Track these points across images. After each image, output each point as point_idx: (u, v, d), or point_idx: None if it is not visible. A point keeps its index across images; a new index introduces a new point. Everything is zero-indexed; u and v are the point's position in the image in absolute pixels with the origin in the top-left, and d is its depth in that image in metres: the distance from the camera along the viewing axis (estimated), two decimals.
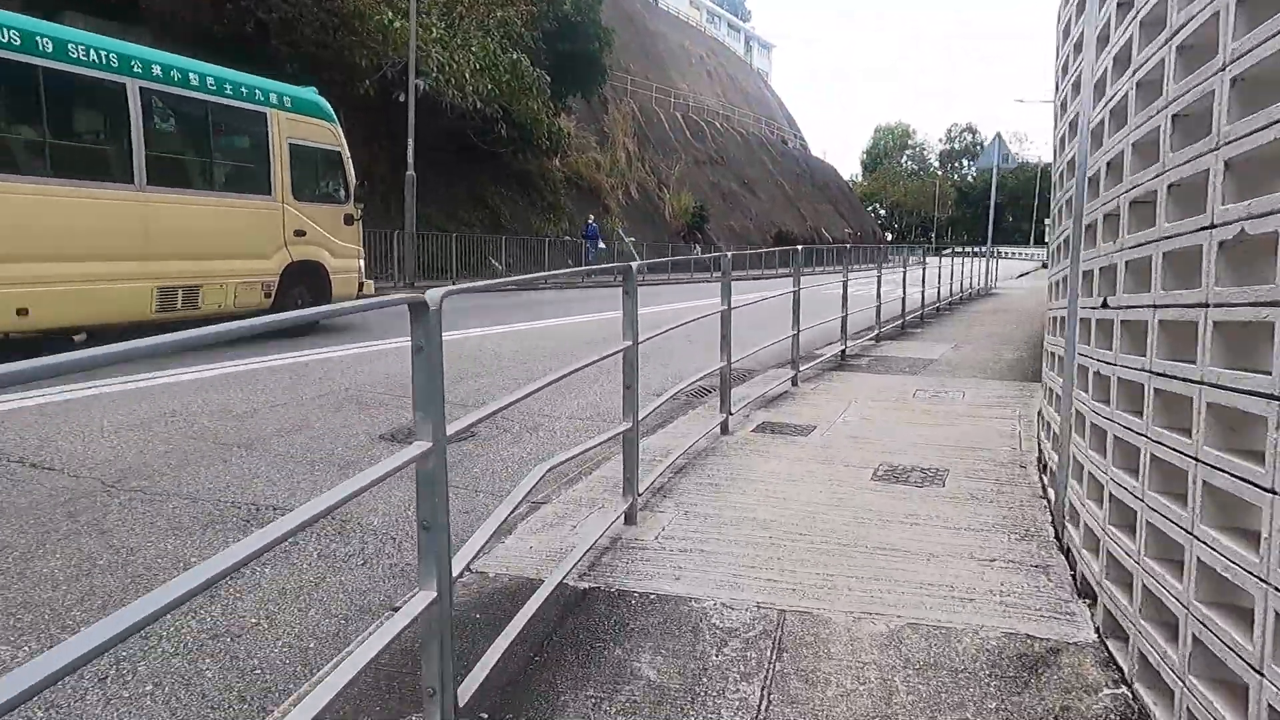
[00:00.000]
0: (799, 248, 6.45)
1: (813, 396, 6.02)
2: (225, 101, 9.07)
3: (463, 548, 2.29)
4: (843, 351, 7.73)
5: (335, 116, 10.68)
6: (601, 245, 28.52)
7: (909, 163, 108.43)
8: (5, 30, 6.96)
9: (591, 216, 27.17)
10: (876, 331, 9.21)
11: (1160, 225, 2.04)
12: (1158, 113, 2.11)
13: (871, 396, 6.02)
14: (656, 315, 12.19)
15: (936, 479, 3.91)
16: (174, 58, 8.71)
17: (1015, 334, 10.11)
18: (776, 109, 72.46)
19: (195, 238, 8.70)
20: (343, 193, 10.78)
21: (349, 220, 10.89)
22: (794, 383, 6.38)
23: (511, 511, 2.43)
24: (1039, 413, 5.09)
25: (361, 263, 11.36)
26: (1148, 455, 2.07)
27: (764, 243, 44.83)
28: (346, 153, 10.75)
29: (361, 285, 11.19)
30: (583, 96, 29.39)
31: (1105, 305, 2.55)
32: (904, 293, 10.40)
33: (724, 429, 4.87)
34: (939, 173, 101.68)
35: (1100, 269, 2.65)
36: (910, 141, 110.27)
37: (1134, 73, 2.31)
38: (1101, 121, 2.71)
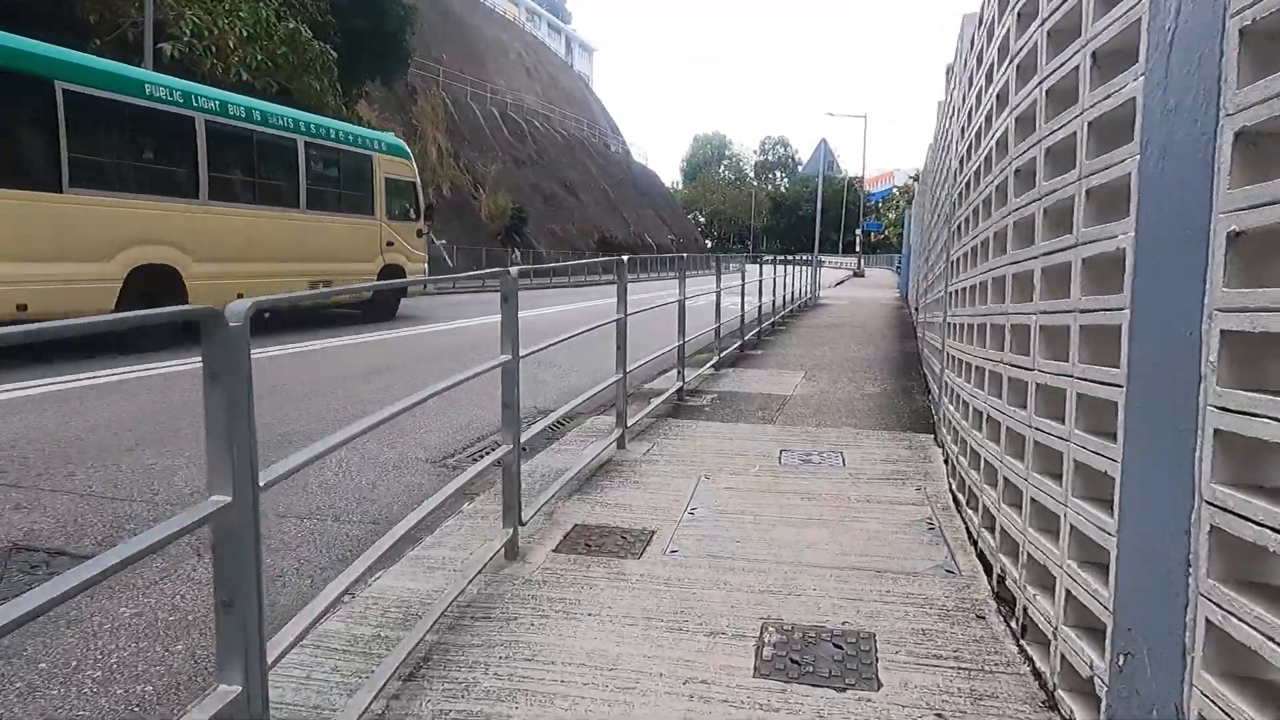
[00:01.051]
0: (624, 258, 4.73)
1: (647, 468, 4.30)
2: (348, 149, 12.50)
3: None
4: (680, 389, 6.12)
5: (411, 155, 14.32)
6: None
7: (726, 172, 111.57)
8: (242, 109, 10.35)
9: None
10: (716, 358, 7.72)
11: None
12: None
13: (727, 465, 4.39)
14: (445, 337, 10.15)
15: (863, 666, 2.27)
16: (321, 119, 12.35)
17: (866, 356, 9.03)
18: (599, 113, 71.70)
19: (330, 246, 12.00)
20: (414, 212, 14.13)
21: (419, 234, 14.30)
22: (621, 444, 4.64)
23: None
24: (955, 499, 3.65)
25: (425, 266, 14.84)
26: None
27: (586, 247, 43.48)
28: (419, 182, 14.36)
29: (425, 285, 13.74)
30: (383, 82, 26.40)
31: None
32: (743, 309, 9.05)
33: (510, 552, 3.02)
34: (754, 183, 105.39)
35: None
36: (727, 152, 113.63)
37: None
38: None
